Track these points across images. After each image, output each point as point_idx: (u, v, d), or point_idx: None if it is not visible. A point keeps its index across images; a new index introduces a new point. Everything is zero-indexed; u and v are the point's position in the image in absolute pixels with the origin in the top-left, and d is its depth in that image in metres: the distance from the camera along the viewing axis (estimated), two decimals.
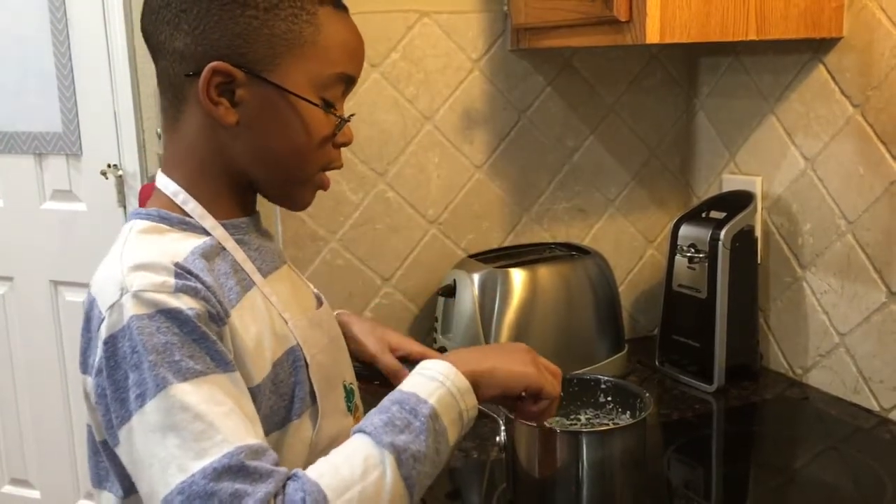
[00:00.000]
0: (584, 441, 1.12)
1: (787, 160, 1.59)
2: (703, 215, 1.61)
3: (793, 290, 1.61)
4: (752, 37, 1.37)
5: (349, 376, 1.05)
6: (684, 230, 1.60)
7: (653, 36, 1.31)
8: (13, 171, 2.46)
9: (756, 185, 1.65)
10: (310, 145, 0.92)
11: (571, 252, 1.67)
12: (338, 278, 1.63)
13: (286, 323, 0.93)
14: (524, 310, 1.53)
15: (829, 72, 1.48)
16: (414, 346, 1.15)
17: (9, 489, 2.69)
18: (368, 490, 0.79)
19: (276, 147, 0.92)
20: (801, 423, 1.52)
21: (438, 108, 1.65)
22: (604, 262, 1.64)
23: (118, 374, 0.79)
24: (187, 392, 0.77)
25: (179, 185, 0.92)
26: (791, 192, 1.59)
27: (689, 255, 1.57)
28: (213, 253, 0.89)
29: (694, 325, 1.59)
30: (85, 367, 0.85)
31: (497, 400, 0.97)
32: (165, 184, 0.93)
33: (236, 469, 0.74)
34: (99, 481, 0.90)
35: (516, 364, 0.96)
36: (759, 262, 1.63)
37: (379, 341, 1.14)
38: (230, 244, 0.92)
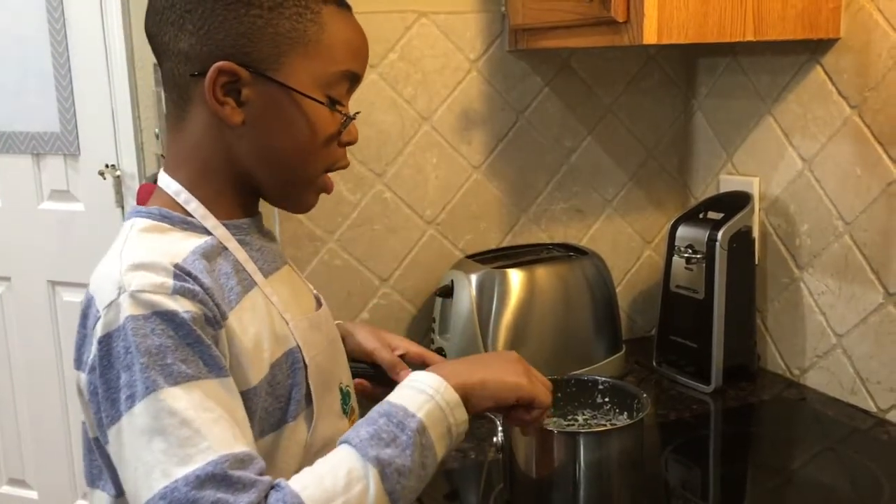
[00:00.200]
0: (581, 442, 1.12)
1: (784, 161, 1.59)
2: (701, 216, 1.61)
3: (790, 290, 1.61)
4: (750, 38, 1.37)
5: (346, 379, 1.05)
6: (682, 231, 1.60)
7: (650, 37, 1.31)
8: (11, 171, 2.46)
9: (753, 185, 1.65)
10: (315, 144, 0.92)
11: (569, 253, 1.67)
12: (336, 279, 1.63)
13: (287, 324, 0.93)
14: (522, 310, 1.53)
15: (826, 73, 1.48)
16: (412, 347, 1.16)
17: (6, 489, 2.69)
18: (351, 503, 0.79)
19: (281, 146, 0.92)
20: (798, 423, 1.52)
21: (436, 109, 1.65)
22: (601, 263, 1.64)
23: (111, 373, 0.79)
24: (176, 396, 0.77)
25: (182, 184, 0.92)
26: (788, 193, 1.59)
27: (686, 255, 1.57)
28: (215, 253, 0.89)
29: (691, 325, 1.59)
30: (79, 363, 0.85)
31: (489, 410, 0.97)
32: (167, 183, 0.93)
33: (220, 478, 0.74)
34: (92, 480, 0.90)
35: (508, 374, 0.96)
36: (756, 262, 1.63)
37: (378, 339, 1.15)
38: (232, 244, 0.92)
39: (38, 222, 2.46)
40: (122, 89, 2.27)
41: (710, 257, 1.53)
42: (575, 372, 1.50)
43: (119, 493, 0.86)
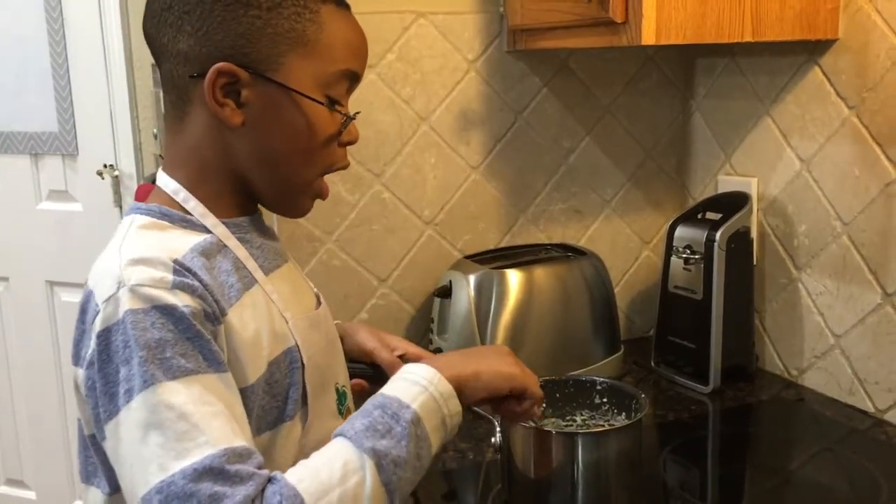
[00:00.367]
0: (579, 442, 1.12)
1: (782, 162, 1.59)
2: (699, 216, 1.61)
3: (788, 291, 1.61)
4: (748, 38, 1.37)
5: (342, 379, 1.04)
6: (680, 231, 1.60)
7: (648, 37, 1.31)
8: (9, 172, 2.46)
9: (752, 186, 1.65)
10: (315, 144, 0.92)
11: (567, 253, 1.67)
12: (334, 279, 1.63)
13: (286, 322, 0.93)
14: (520, 311, 1.53)
15: (824, 73, 1.48)
16: (410, 347, 1.16)
17: (4, 490, 2.69)
18: (347, 495, 0.78)
19: (281, 147, 0.92)
20: (796, 424, 1.52)
21: (435, 109, 1.65)
22: (600, 263, 1.64)
23: (109, 367, 0.79)
24: (175, 391, 0.77)
25: (181, 184, 0.92)
26: (787, 194, 1.59)
27: (684, 256, 1.57)
28: (214, 250, 0.89)
29: (690, 326, 1.59)
30: (77, 358, 0.85)
31: (483, 401, 0.97)
32: (166, 182, 0.93)
33: (217, 471, 0.74)
34: (87, 477, 0.90)
35: (502, 365, 0.97)
36: (754, 263, 1.63)
37: (377, 339, 1.15)
38: (232, 242, 0.92)
39: (36, 222, 2.46)
40: (120, 89, 2.27)
41: (708, 258, 1.53)
42: (573, 372, 1.50)
43: (113, 490, 0.85)
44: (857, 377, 1.48)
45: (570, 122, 1.77)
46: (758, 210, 1.65)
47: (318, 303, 1.04)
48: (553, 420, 1.22)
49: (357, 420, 0.84)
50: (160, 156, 2.08)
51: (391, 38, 1.60)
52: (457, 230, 1.71)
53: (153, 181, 0.98)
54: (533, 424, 1.10)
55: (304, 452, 0.92)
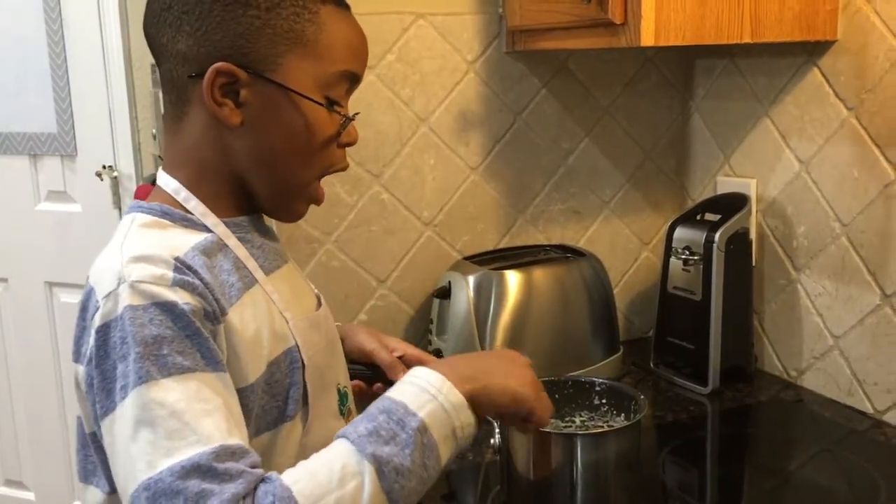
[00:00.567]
0: (578, 443, 1.12)
1: (781, 163, 1.59)
2: (698, 217, 1.61)
3: (787, 292, 1.61)
4: (747, 39, 1.37)
5: (343, 379, 1.04)
6: (679, 232, 1.60)
7: (647, 39, 1.31)
8: (8, 172, 2.45)
9: (751, 187, 1.65)
10: (314, 145, 0.92)
11: (566, 254, 1.67)
12: (333, 280, 1.63)
13: (287, 322, 0.93)
14: (519, 312, 1.53)
15: (823, 75, 1.48)
16: (409, 349, 1.15)
17: (3, 490, 2.69)
18: (345, 500, 0.76)
19: (279, 147, 0.92)
20: (795, 425, 1.52)
21: (434, 110, 1.66)
22: (599, 264, 1.64)
23: (107, 363, 0.78)
24: (169, 388, 0.76)
25: (181, 184, 0.92)
26: (785, 195, 1.59)
27: (683, 257, 1.57)
28: (215, 249, 0.89)
29: (688, 327, 1.59)
30: (78, 355, 0.84)
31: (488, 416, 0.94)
32: (166, 182, 0.93)
33: (205, 468, 0.73)
34: (86, 476, 0.90)
35: (514, 382, 0.92)
36: (753, 264, 1.64)
37: (377, 341, 1.15)
38: (232, 241, 0.92)
39: (35, 223, 2.46)
40: (119, 90, 2.27)
41: (707, 259, 1.53)
42: (572, 373, 1.50)
43: (113, 489, 0.85)
44: (856, 378, 1.48)
45: (569, 123, 1.77)
46: (757, 211, 1.65)
47: (319, 304, 1.04)
48: (552, 421, 1.22)
49: (361, 423, 0.82)
50: (159, 156, 2.08)
51: (390, 39, 1.60)
52: (456, 231, 1.71)
53: (152, 182, 0.98)
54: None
55: (304, 453, 0.91)
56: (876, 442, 1.40)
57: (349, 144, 0.97)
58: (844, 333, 1.50)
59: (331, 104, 0.92)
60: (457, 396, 0.86)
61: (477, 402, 0.88)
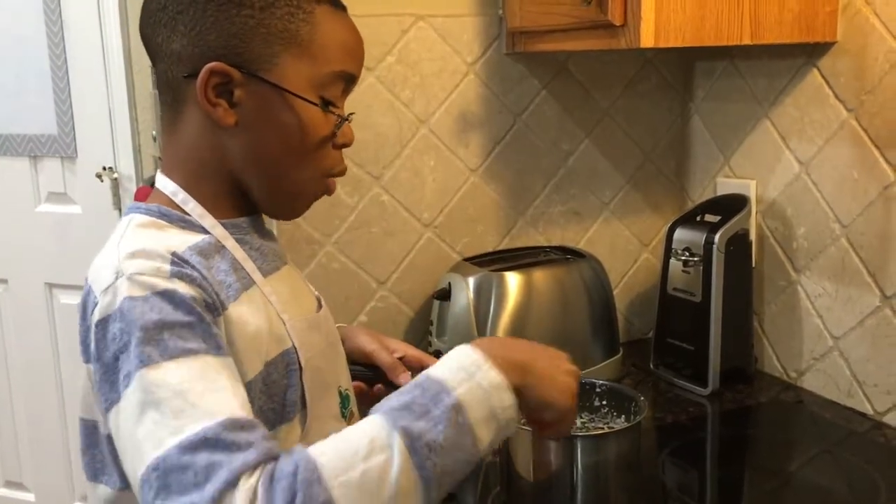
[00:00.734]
0: (578, 445, 1.12)
1: (781, 164, 1.59)
2: (698, 219, 1.61)
3: (787, 293, 1.61)
4: (747, 41, 1.38)
5: (345, 382, 1.04)
6: (679, 234, 1.60)
7: (647, 40, 1.31)
8: (8, 174, 2.45)
9: (750, 188, 1.65)
10: (308, 145, 0.92)
11: (566, 255, 1.67)
12: (333, 282, 1.63)
13: (284, 324, 0.93)
14: (519, 313, 1.53)
15: (823, 76, 1.48)
16: (410, 350, 1.15)
17: (3, 492, 2.68)
18: (371, 473, 0.73)
19: (274, 148, 0.91)
20: (795, 426, 1.52)
21: (434, 112, 1.66)
22: (599, 266, 1.64)
23: (107, 356, 0.78)
24: (171, 370, 0.75)
25: (179, 185, 0.92)
26: (785, 196, 1.59)
27: (683, 258, 1.57)
28: (212, 250, 0.89)
29: (688, 328, 1.59)
30: (86, 355, 0.83)
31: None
32: (164, 184, 0.93)
33: (213, 441, 0.71)
34: (94, 474, 0.89)
35: (557, 390, 0.89)
36: (753, 265, 1.64)
37: (377, 342, 1.15)
38: (230, 242, 0.92)
39: (35, 224, 2.46)
40: (119, 91, 2.27)
41: (707, 260, 1.54)
42: None
43: (124, 484, 0.84)
44: (856, 379, 1.48)
45: (569, 124, 1.77)
46: (757, 212, 1.65)
47: (319, 306, 1.04)
48: None
49: (394, 398, 0.80)
50: (159, 158, 2.08)
51: (390, 41, 1.60)
52: (456, 233, 1.71)
53: (152, 184, 0.98)
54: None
55: None
56: (876, 443, 1.40)
57: (345, 145, 0.97)
58: (844, 335, 1.50)
59: (325, 104, 0.92)
60: (494, 377, 0.82)
61: (523, 394, 0.85)
